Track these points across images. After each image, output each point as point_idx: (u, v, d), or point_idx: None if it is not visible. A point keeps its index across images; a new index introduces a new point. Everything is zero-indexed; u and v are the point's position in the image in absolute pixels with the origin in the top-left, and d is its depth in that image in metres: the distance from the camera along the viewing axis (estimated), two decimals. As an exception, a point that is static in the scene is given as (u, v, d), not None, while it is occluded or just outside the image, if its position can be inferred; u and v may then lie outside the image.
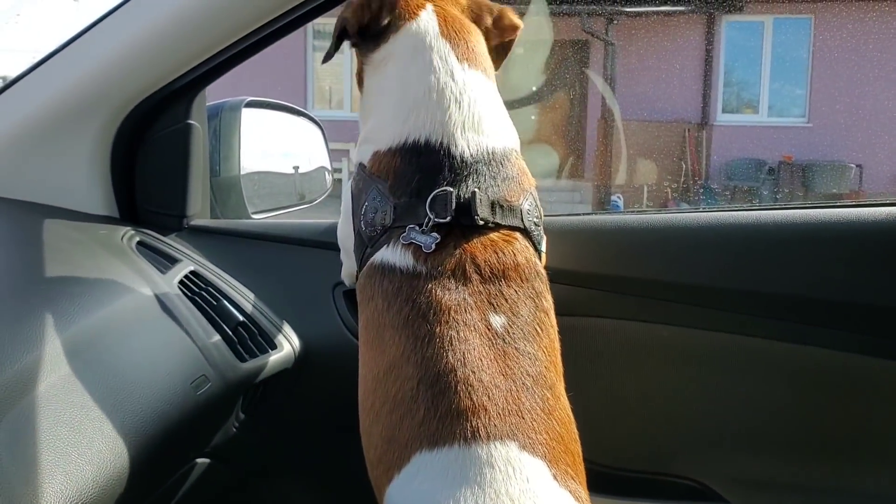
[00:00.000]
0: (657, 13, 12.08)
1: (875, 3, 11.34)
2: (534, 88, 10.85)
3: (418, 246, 1.01)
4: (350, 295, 1.37)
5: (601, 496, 1.41)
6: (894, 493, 1.36)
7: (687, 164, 11.82)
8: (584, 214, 1.46)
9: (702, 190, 11.98)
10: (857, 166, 11.51)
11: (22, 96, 1.39)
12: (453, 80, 1.08)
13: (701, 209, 1.44)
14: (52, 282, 1.11)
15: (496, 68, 1.20)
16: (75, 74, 1.36)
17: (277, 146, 1.88)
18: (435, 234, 1.00)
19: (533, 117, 11.33)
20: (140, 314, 1.16)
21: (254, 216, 1.66)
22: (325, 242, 1.43)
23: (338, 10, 1.24)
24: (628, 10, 12.08)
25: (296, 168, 2.04)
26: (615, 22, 11.88)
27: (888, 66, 10.82)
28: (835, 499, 1.38)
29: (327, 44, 1.19)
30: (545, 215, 1.45)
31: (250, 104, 1.69)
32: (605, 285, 1.39)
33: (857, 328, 1.33)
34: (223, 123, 1.65)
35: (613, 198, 11.16)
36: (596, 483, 1.41)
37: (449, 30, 1.12)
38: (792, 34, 12.11)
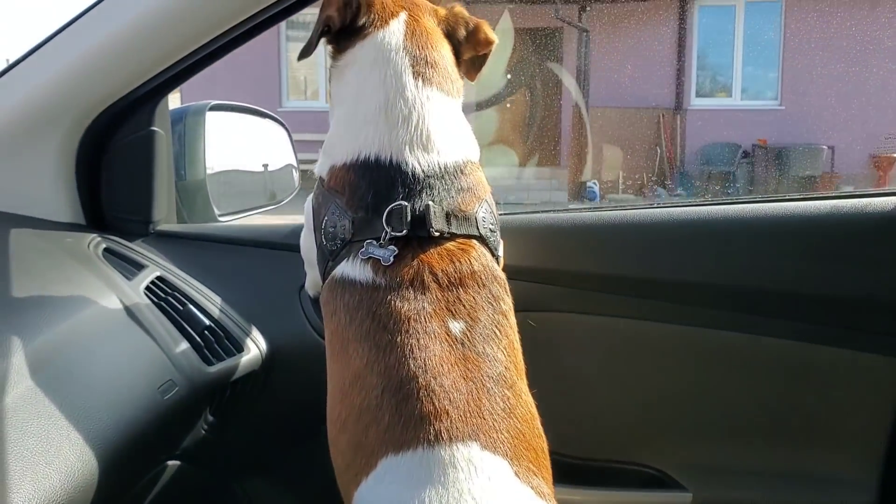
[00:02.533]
0: (630, -1, 12.11)
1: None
2: (499, 89, 10.79)
3: (377, 259, 1.04)
4: (316, 297, 1.40)
5: (563, 486, 1.45)
6: (843, 474, 1.41)
7: (662, 150, 11.89)
8: (542, 212, 1.49)
9: (678, 175, 12.05)
10: (828, 148, 11.62)
11: None
12: (403, 98, 1.10)
13: (654, 205, 1.48)
14: (19, 292, 1.13)
15: (472, 79, 1.22)
16: (38, 83, 1.36)
17: (244, 149, 1.89)
18: (392, 248, 1.04)
19: (498, 116, 11.25)
20: (107, 322, 1.17)
21: (221, 219, 1.67)
22: (289, 245, 1.45)
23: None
24: (601, -4, 12.11)
25: (265, 166, 2.05)
26: (588, 9, 11.89)
27: (857, 48, 10.93)
28: (787, 483, 1.43)
29: (301, 34, 1.20)
30: (506, 213, 1.49)
31: (214, 108, 1.70)
32: (563, 281, 1.43)
33: (807, 318, 1.38)
34: (188, 128, 1.66)
35: (589, 183, 11.24)
36: (558, 474, 1.46)
37: (413, 44, 1.13)
38: (763, 17, 12.19)
